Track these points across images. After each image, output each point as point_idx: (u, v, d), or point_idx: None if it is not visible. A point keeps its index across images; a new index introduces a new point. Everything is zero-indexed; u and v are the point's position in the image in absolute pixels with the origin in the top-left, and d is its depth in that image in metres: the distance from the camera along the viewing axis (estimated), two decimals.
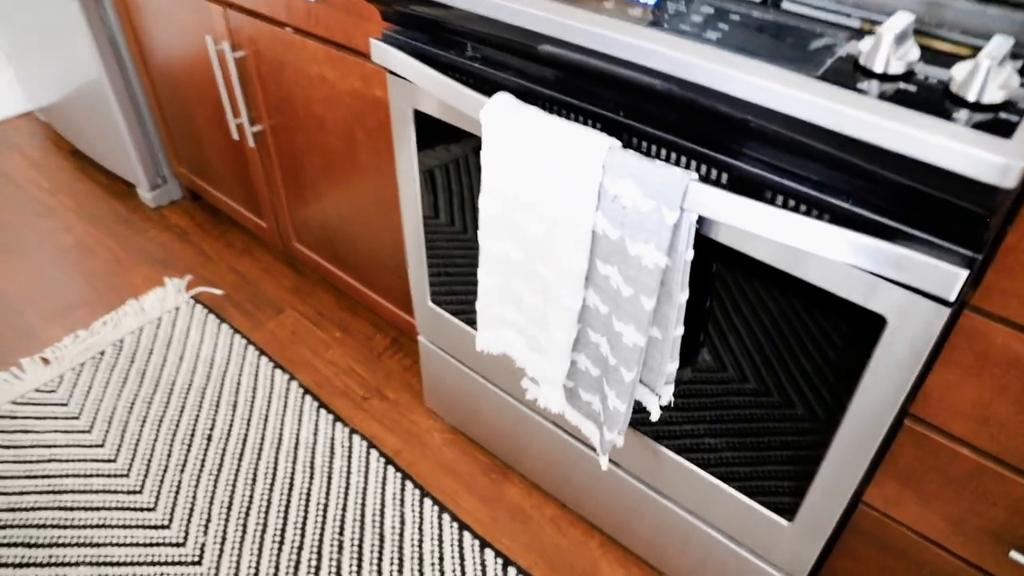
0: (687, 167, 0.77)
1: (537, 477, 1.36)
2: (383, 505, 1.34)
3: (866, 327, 0.74)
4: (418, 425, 1.49)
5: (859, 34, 0.71)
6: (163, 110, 1.83)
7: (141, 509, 1.33)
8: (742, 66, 0.65)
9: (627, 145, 0.79)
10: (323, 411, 1.50)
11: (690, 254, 0.77)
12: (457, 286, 1.19)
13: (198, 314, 1.72)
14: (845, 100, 0.61)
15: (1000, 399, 0.73)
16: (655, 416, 0.92)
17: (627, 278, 0.79)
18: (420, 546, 1.28)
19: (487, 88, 0.90)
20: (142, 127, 1.90)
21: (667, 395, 0.91)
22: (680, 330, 0.84)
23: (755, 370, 0.87)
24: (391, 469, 1.40)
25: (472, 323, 1.22)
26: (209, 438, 1.45)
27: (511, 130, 0.81)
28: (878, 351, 0.74)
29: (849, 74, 0.64)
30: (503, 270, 0.93)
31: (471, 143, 0.98)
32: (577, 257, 0.81)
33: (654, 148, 0.79)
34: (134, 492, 1.36)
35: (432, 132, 1.04)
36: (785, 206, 0.73)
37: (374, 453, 1.43)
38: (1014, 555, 0.81)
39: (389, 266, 1.44)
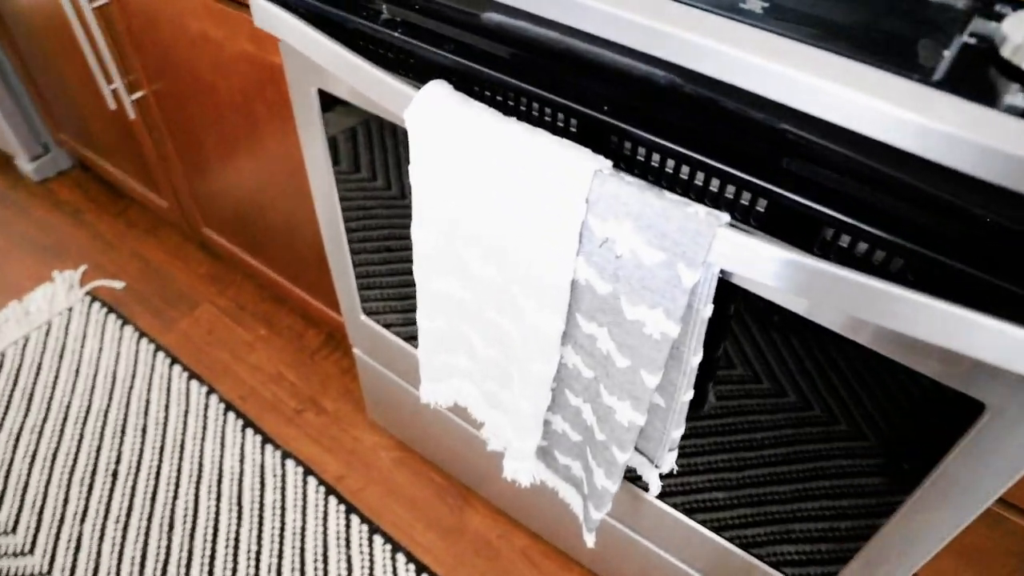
0: (702, 186, 0.54)
1: (503, 502, 1.17)
2: (325, 548, 1.14)
3: (958, 410, 0.54)
4: (362, 443, 1.28)
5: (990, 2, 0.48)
6: (28, 70, 1.50)
7: (32, 575, 1.11)
8: (810, 63, 0.42)
9: (617, 155, 0.56)
10: (249, 431, 1.28)
11: (709, 310, 0.55)
12: (395, 299, 0.96)
13: (95, 315, 1.45)
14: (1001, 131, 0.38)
15: None
16: (655, 491, 0.72)
17: (622, 346, 0.57)
18: None
19: (413, 69, 0.65)
20: (8, 88, 1.57)
21: (669, 463, 0.71)
22: (689, 395, 0.63)
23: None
24: (333, 501, 1.19)
25: (413, 339, 0.99)
26: (115, 474, 1.22)
27: (449, 136, 0.56)
28: (970, 439, 0.55)
29: (986, 75, 0.41)
30: (447, 312, 0.70)
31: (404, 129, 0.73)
32: (549, 315, 0.58)
33: (654, 156, 0.56)
34: (22, 554, 1.13)
35: (348, 115, 0.78)
36: (851, 250, 0.51)
37: (312, 482, 1.21)
38: None
39: (314, 262, 1.19)
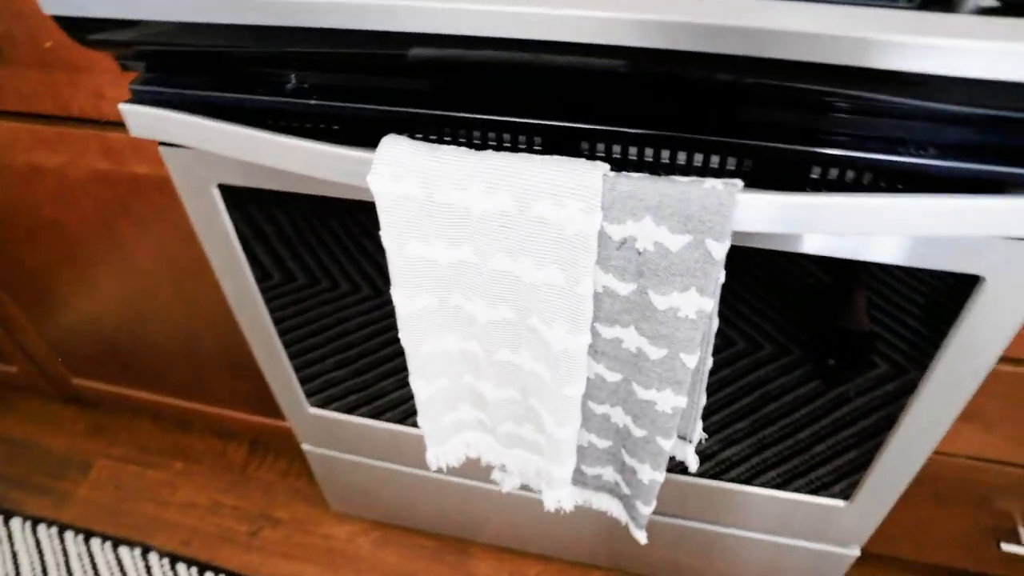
0: (686, 165, 0.55)
1: (502, 539, 1.13)
2: None
3: (953, 288, 0.59)
4: (335, 538, 1.19)
5: None
6: None
7: None
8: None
9: (602, 160, 0.55)
10: (208, 574, 1.15)
11: (723, 276, 0.56)
12: (344, 379, 0.90)
13: None
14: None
15: None
16: (694, 467, 0.73)
17: (655, 337, 0.56)
18: None
19: (336, 136, 0.61)
20: None
21: (698, 434, 0.72)
22: (710, 363, 0.64)
23: (807, 353, 0.70)
24: None
25: (376, 412, 0.94)
26: None
27: (425, 189, 0.53)
28: (971, 312, 0.60)
29: None
30: (449, 370, 0.66)
31: (322, 203, 0.68)
32: (575, 335, 0.57)
33: (632, 151, 0.56)
34: None
35: (254, 207, 0.72)
36: (840, 180, 0.54)
37: None
38: None
39: (224, 372, 1.09)
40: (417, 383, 0.66)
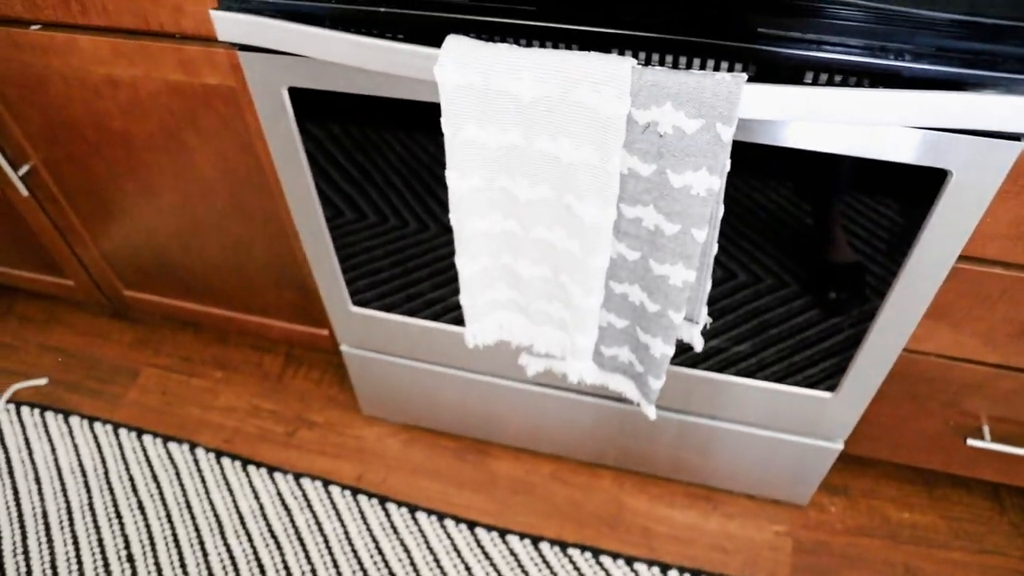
0: (701, 68, 0.65)
1: (519, 441, 1.25)
2: (376, 541, 1.17)
3: (924, 185, 0.69)
4: (366, 439, 1.31)
5: None
6: None
7: None
8: None
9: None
10: (251, 468, 1.26)
11: (728, 164, 0.66)
12: (383, 281, 1.00)
13: (29, 419, 1.35)
14: None
15: None
16: (699, 347, 0.83)
17: (671, 214, 0.67)
18: (440, 566, 1.14)
19: (408, 36, 0.70)
20: None
21: (703, 317, 0.82)
22: (715, 248, 0.75)
23: (792, 258, 0.81)
24: (363, 499, 1.22)
25: (411, 311, 1.04)
26: (130, 558, 1.17)
27: (483, 81, 0.63)
28: (940, 205, 0.70)
29: None
30: (491, 249, 0.77)
31: (376, 108, 0.78)
32: (606, 210, 0.67)
33: (655, 57, 0.66)
34: None
35: (318, 110, 0.81)
36: (830, 83, 0.64)
37: (335, 489, 1.23)
38: None
39: (270, 281, 1.20)
40: (462, 260, 0.77)
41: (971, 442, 1.00)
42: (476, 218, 0.73)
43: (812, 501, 1.20)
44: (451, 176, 0.69)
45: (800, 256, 0.80)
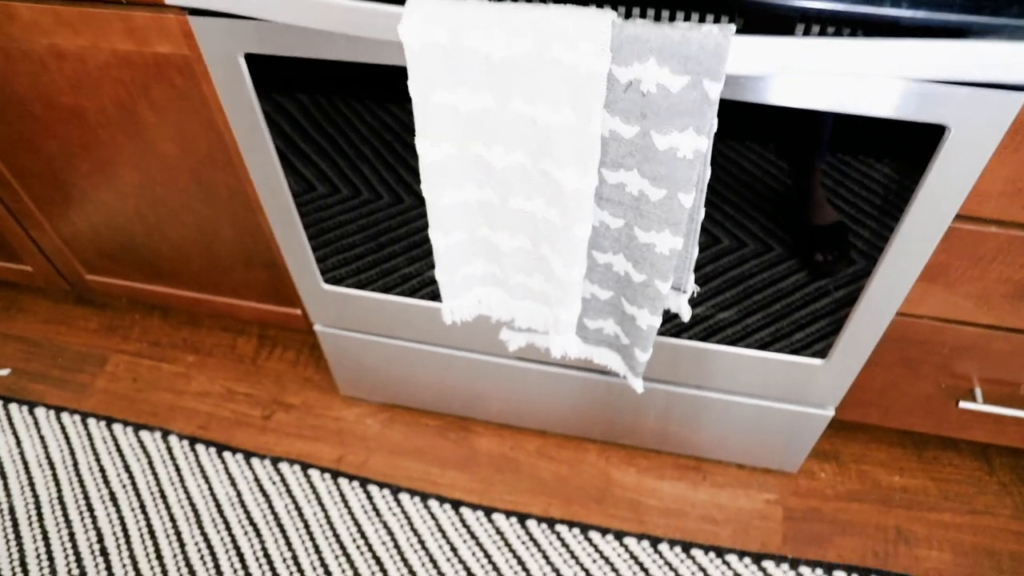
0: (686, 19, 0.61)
1: (502, 417, 1.22)
2: (358, 524, 1.14)
3: (920, 143, 0.66)
4: (345, 419, 1.27)
5: None
6: None
7: None
8: None
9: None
10: (227, 454, 1.22)
11: (715, 124, 0.62)
12: (356, 257, 0.96)
13: None
14: None
15: None
16: (687, 317, 0.80)
17: (656, 178, 0.63)
18: (425, 548, 1.11)
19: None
20: None
21: (691, 285, 0.79)
22: (702, 213, 0.71)
23: (774, 221, 0.77)
24: (343, 481, 1.18)
25: (386, 288, 1.00)
26: (103, 552, 1.13)
27: (451, 39, 0.58)
28: (937, 164, 0.66)
29: None
30: (466, 221, 0.73)
31: (341, 74, 0.73)
32: (587, 176, 0.63)
33: (636, 11, 0.61)
34: None
35: (278, 79, 0.76)
36: (822, 34, 0.60)
37: (314, 473, 1.20)
38: None
39: (239, 260, 1.15)
40: (436, 234, 0.72)
41: (964, 404, 0.98)
42: (450, 189, 0.69)
43: (802, 468, 1.19)
44: (422, 145, 0.65)
45: (783, 219, 0.77)
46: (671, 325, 0.93)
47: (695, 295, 0.86)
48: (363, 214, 0.90)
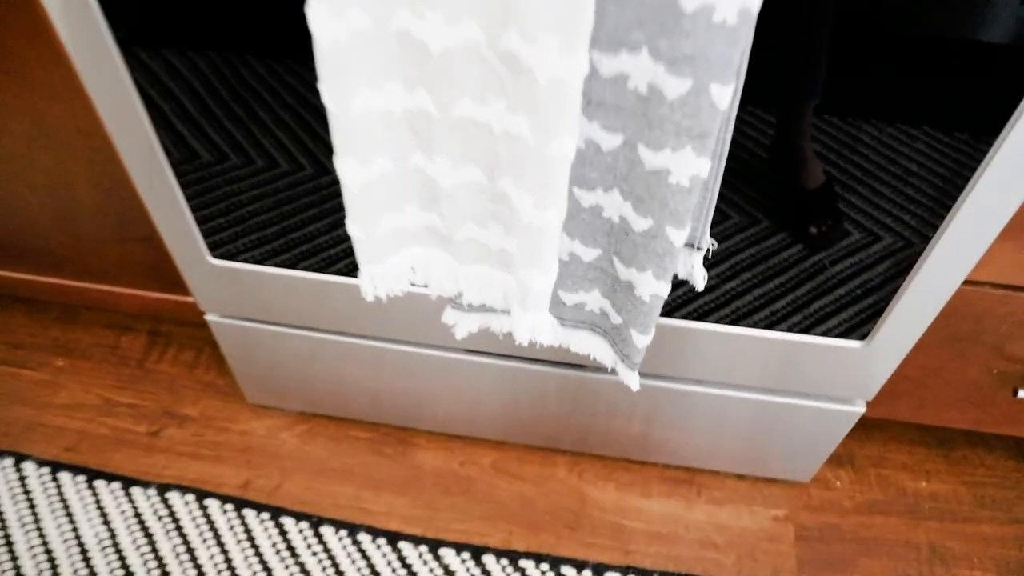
0: None
1: (449, 425, 0.98)
2: (267, 568, 0.89)
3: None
4: (254, 433, 1.02)
5: None
6: None
7: None
8: None
9: None
10: (100, 483, 0.96)
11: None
12: (244, 224, 0.72)
13: None
14: None
15: None
16: (701, 284, 0.58)
17: (677, 62, 0.41)
18: None
19: None
20: None
21: (707, 240, 0.57)
22: (733, 124, 0.50)
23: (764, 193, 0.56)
24: (250, 513, 0.93)
25: (290, 262, 0.76)
26: None
27: (374, 26, 0.36)
28: None
29: None
30: (392, 142, 0.49)
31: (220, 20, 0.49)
32: (571, 55, 0.40)
33: None
34: None
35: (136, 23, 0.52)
36: None
37: (213, 504, 0.94)
38: None
39: (107, 233, 0.89)
40: (346, 163, 0.48)
41: (1023, 394, 0.79)
42: (364, 89, 0.45)
43: (813, 477, 0.99)
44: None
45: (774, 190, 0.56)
46: (682, 282, 0.71)
47: (711, 253, 0.65)
48: (258, 171, 0.66)
